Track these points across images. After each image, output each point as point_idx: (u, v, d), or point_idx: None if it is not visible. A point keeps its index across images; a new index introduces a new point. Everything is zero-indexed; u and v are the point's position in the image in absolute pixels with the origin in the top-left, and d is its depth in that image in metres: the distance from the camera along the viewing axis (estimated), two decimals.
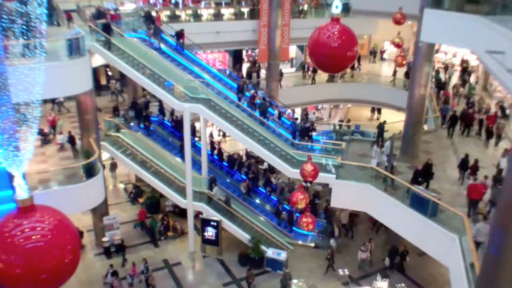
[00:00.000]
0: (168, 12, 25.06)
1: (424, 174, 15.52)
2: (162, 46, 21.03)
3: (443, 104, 22.37)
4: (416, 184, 15.18)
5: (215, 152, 23.01)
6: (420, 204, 14.32)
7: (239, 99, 20.23)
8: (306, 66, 28.73)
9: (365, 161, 17.93)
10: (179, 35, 21.37)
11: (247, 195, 21.16)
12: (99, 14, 20.46)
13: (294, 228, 20.61)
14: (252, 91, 20.83)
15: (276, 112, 21.60)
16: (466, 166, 16.00)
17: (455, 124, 19.74)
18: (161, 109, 22.94)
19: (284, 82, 27.29)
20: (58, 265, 6.73)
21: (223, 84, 21.39)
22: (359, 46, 8.37)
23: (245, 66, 30.35)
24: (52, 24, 19.59)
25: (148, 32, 20.87)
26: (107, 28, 18.75)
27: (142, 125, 21.99)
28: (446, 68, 29.41)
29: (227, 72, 23.54)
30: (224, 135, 29.04)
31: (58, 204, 8.02)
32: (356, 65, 29.14)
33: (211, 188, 19.53)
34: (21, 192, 6.83)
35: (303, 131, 19.78)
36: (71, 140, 18.18)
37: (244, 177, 21.97)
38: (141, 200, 23.34)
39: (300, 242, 20.28)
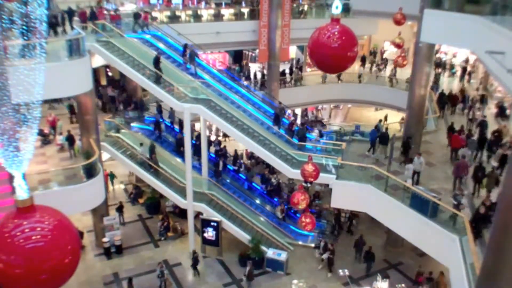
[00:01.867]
0: (168, 13, 25.07)
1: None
2: (198, 71, 20.83)
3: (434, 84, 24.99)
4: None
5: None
6: (420, 205, 14.32)
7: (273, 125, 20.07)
8: None
9: (366, 162, 17.94)
10: (137, 16, 20.84)
11: (283, 220, 20.91)
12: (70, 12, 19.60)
13: (293, 228, 20.69)
14: (292, 119, 20.78)
15: (315, 134, 21.25)
16: (453, 131, 19.11)
17: (444, 102, 23.22)
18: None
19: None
20: (58, 265, 6.71)
21: (258, 108, 21.33)
22: (359, 46, 8.38)
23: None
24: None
25: (185, 58, 20.62)
26: (157, 62, 18.41)
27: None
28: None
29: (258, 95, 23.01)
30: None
31: (58, 204, 8.01)
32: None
33: (151, 153, 19.82)
34: (21, 192, 6.82)
35: (383, 139, 18.79)
36: (70, 139, 18.15)
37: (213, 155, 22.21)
38: (141, 200, 23.34)
39: (300, 242, 20.28)
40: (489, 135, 18.50)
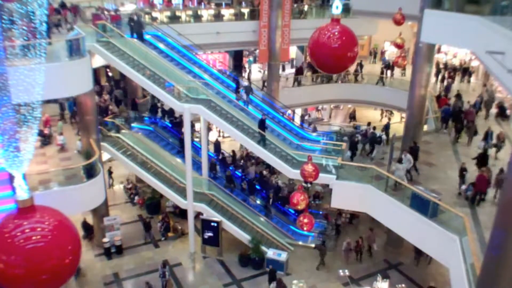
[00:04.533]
0: (168, 13, 25.08)
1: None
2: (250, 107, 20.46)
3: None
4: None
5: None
6: (420, 205, 14.32)
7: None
8: None
9: (366, 162, 17.94)
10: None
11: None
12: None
13: (292, 227, 20.68)
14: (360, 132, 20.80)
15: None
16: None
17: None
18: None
19: None
20: (58, 265, 6.74)
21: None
22: (360, 46, 8.39)
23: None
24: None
25: (237, 94, 20.11)
26: (262, 125, 18.23)
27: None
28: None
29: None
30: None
31: (59, 204, 8.02)
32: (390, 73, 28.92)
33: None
34: (22, 192, 6.83)
35: (455, 115, 20.23)
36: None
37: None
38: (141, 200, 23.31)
39: (300, 242, 20.27)
40: None
